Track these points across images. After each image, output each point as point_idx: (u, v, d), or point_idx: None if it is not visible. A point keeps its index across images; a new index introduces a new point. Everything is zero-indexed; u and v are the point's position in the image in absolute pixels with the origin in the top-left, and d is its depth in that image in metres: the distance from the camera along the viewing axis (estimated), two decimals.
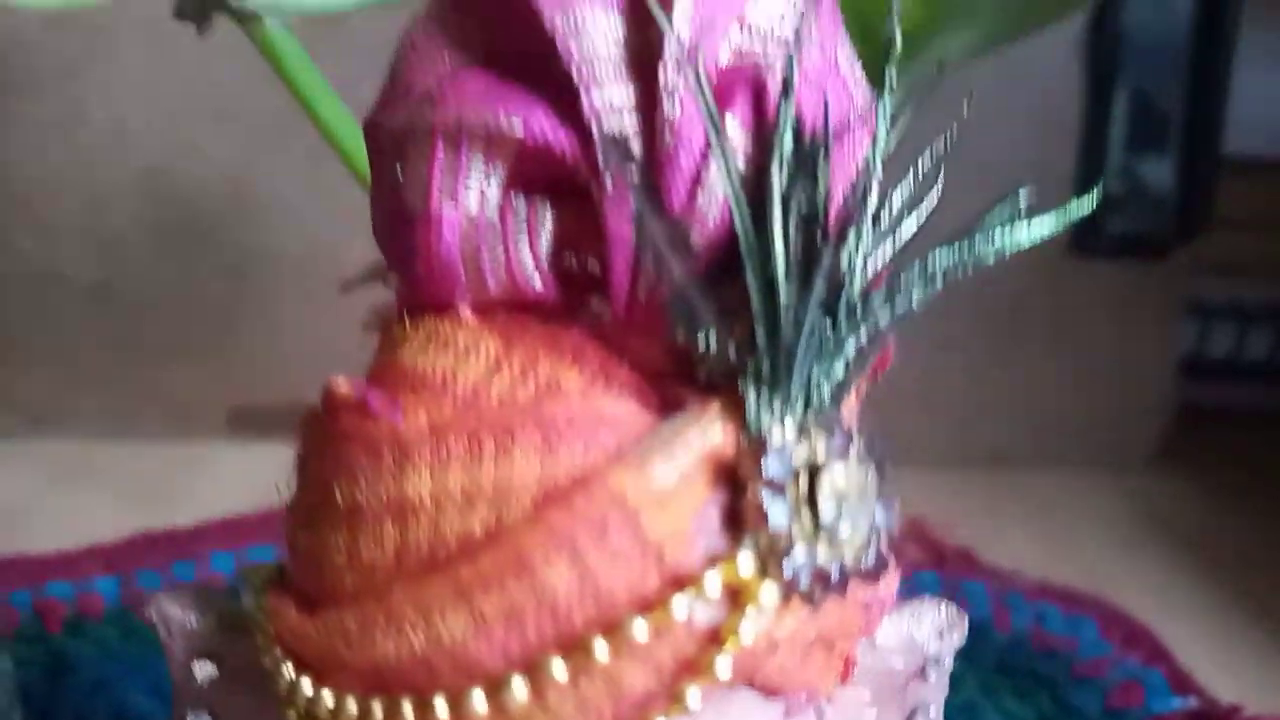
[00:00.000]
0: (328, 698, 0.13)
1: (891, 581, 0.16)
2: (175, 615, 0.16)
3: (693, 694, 0.12)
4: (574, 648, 0.12)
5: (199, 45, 0.52)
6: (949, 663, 0.17)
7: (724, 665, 0.12)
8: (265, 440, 0.54)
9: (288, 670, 0.13)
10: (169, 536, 0.44)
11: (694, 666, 0.12)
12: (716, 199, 0.13)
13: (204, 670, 0.16)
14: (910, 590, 0.18)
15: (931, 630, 0.17)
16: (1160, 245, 0.56)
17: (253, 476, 0.52)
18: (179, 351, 0.54)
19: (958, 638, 0.17)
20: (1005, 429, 0.57)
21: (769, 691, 0.14)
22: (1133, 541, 0.52)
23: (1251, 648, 0.44)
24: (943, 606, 0.17)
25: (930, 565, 0.44)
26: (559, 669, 0.12)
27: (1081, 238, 0.54)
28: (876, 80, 0.24)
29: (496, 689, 0.12)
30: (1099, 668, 0.40)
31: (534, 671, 0.12)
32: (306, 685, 0.13)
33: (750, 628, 0.12)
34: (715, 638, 0.12)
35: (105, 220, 0.53)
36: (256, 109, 0.52)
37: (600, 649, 0.11)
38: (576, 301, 0.15)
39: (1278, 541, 0.52)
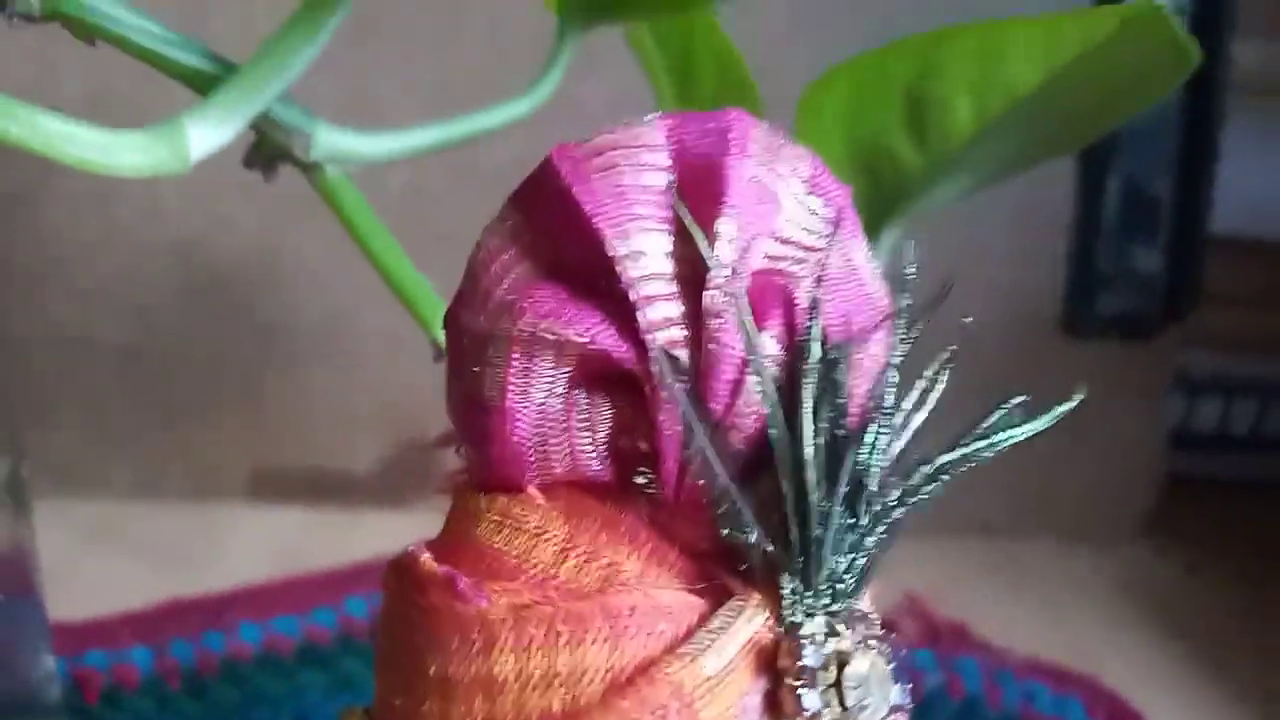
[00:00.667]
0: None
1: None
2: None
3: None
4: None
5: None
6: None
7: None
8: (287, 503, 0.57)
9: None
10: (198, 605, 0.46)
11: None
12: (754, 404, 0.16)
13: None
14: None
15: None
16: (1150, 325, 0.58)
17: (276, 538, 0.54)
18: (206, 414, 0.56)
19: None
20: (997, 501, 0.59)
21: None
22: (1119, 614, 0.54)
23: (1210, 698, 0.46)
24: None
25: (925, 642, 0.46)
26: None
27: (1073, 318, 0.57)
28: (878, 217, 0.26)
29: None
30: None
31: None
32: None
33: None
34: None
35: (137, 288, 0.55)
36: (283, 185, 0.54)
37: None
38: (630, 479, 0.17)
39: (1259, 615, 0.54)
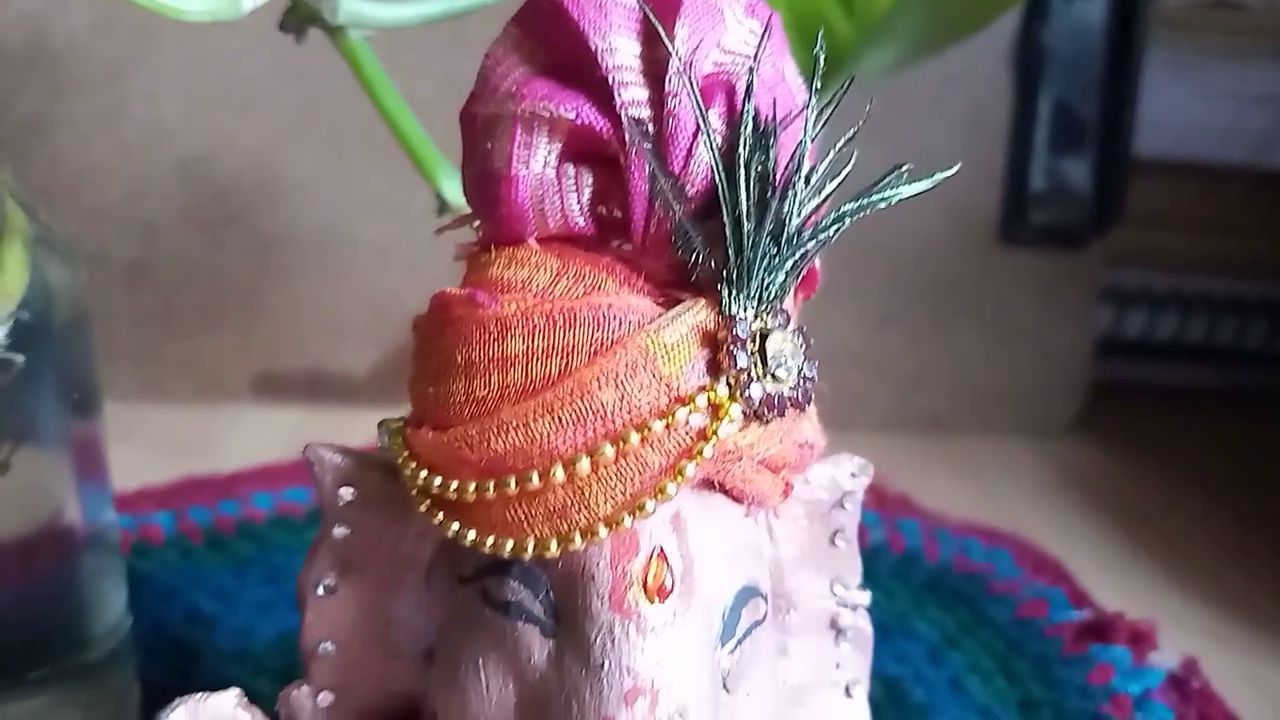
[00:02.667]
0: (452, 484, 0.19)
1: (821, 441, 0.23)
2: (325, 455, 0.22)
3: (689, 468, 0.19)
4: (617, 439, 0.18)
5: (231, 48, 0.59)
6: (860, 497, 0.24)
7: (709, 450, 0.19)
8: (288, 403, 0.61)
9: (421, 473, 0.20)
10: (212, 481, 0.50)
11: (690, 453, 0.19)
12: (703, 165, 0.20)
13: (346, 495, 0.22)
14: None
15: (848, 473, 0.24)
16: (1078, 236, 0.63)
17: (278, 434, 0.59)
18: (209, 323, 0.60)
19: (866, 480, 0.24)
20: (941, 397, 0.64)
21: (734, 495, 0.21)
22: (1049, 497, 0.60)
23: (1143, 580, 0.51)
24: (855, 459, 0.24)
25: (872, 506, 0.51)
26: (609, 451, 0.18)
27: (1008, 228, 0.62)
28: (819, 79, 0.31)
29: (570, 465, 0.19)
30: (1011, 587, 0.47)
31: (593, 454, 0.18)
32: (436, 479, 0.20)
33: (725, 429, 0.19)
34: (703, 435, 0.19)
35: (144, 206, 0.59)
36: (282, 104, 0.58)
37: (634, 439, 0.18)
38: (607, 238, 0.22)
39: (1174, 497, 0.60)
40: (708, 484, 0.21)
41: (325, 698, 0.23)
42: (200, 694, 0.22)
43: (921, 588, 0.47)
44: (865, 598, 0.25)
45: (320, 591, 0.23)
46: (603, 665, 0.18)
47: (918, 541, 0.50)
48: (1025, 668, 0.42)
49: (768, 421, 0.19)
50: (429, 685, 0.22)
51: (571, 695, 0.19)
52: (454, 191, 0.32)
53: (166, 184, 0.58)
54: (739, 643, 0.20)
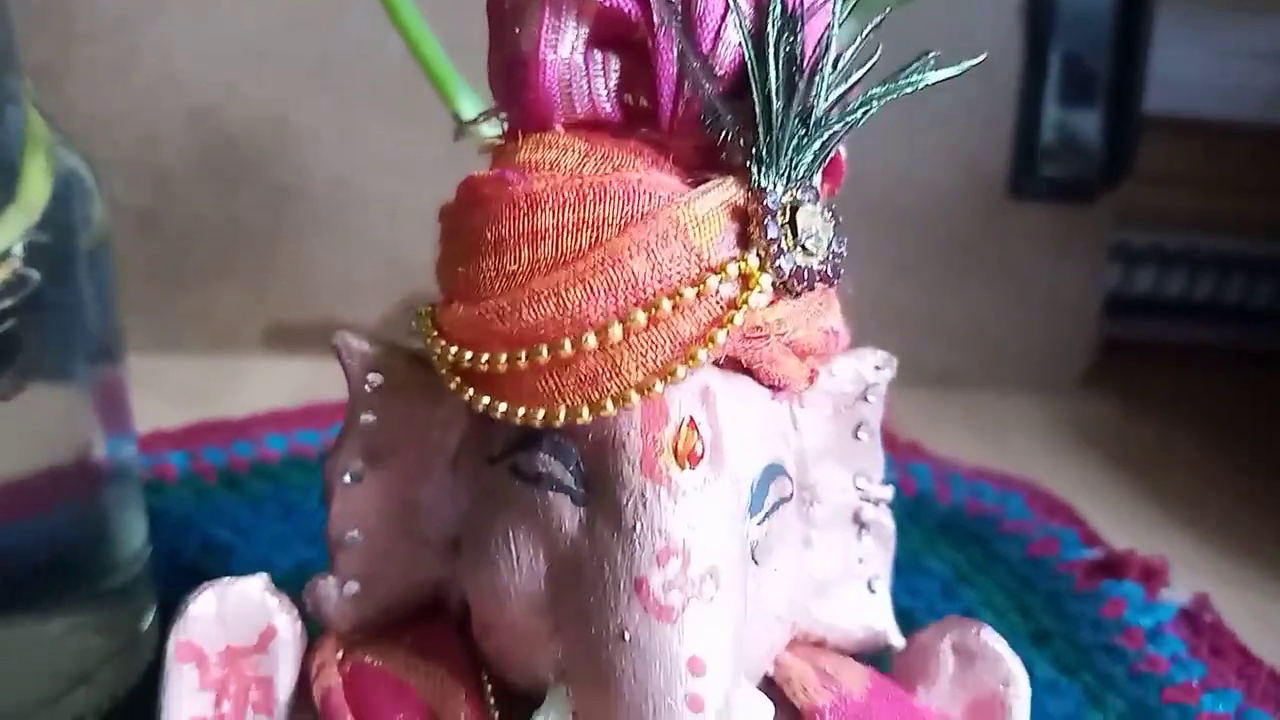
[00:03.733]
0: (483, 356, 0.20)
1: (845, 333, 0.23)
2: (354, 344, 0.23)
3: (720, 336, 0.19)
4: (649, 306, 0.19)
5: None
6: (883, 391, 0.25)
7: (739, 318, 0.19)
8: (299, 354, 0.61)
9: (451, 349, 0.20)
10: (225, 424, 0.51)
11: (720, 321, 0.19)
12: (732, 46, 0.20)
13: (373, 380, 0.22)
14: None
15: (872, 366, 0.24)
16: (1087, 190, 0.63)
17: (290, 384, 0.59)
18: (221, 275, 0.60)
19: (890, 374, 0.24)
20: (953, 351, 0.64)
21: (761, 378, 0.21)
22: (1060, 450, 0.60)
23: (1152, 526, 0.51)
24: (879, 352, 0.24)
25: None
26: (640, 318, 0.18)
27: (1018, 181, 0.62)
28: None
29: (602, 332, 0.19)
30: (1023, 528, 0.47)
31: (625, 321, 0.19)
32: (467, 353, 0.20)
33: (755, 299, 0.19)
34: (733, 305, 0.19)
35: (155, 156, 0.59)
36: (294, 55, 0.58)
37: (665, 306, 0.18)
38: (633, 125, 0.22)
39: (1184, 450, 0.60)
40: (736, 366, 0.21)
41: (351, 587, 0.23)
42: (228, 578, 0.23)
43: (933, 528, 0.47)
44: (888, 493, 0.25)
45: (347, 479, 0.23)
46: (634, 528, 0.19)
47: (929, 485, 0.50)
48: (1037, 603, 0.43)
49: (797, 294, 0.20)
50: (456, 572, 0.22)
51: (603, 558, 0.19)
52: (471, 111, 0.32)
53: (178, 134, 0.58)
54: (766, 516, 0.21)
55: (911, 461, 0.51)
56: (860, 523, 0.25)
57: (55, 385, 0.30)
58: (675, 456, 0.19)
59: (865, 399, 0.24)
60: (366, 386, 0.22)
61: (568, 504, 0.20)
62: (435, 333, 0.21)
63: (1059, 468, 0.57)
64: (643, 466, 0.19)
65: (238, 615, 0.22)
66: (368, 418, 0.23)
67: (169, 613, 0.35)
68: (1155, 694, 0.38)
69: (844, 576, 0.24)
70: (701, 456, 0.19)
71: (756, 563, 0.20)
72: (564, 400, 0.19)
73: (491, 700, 0.21)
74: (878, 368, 0.24)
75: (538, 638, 0.20)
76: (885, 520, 0.25)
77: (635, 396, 0.19)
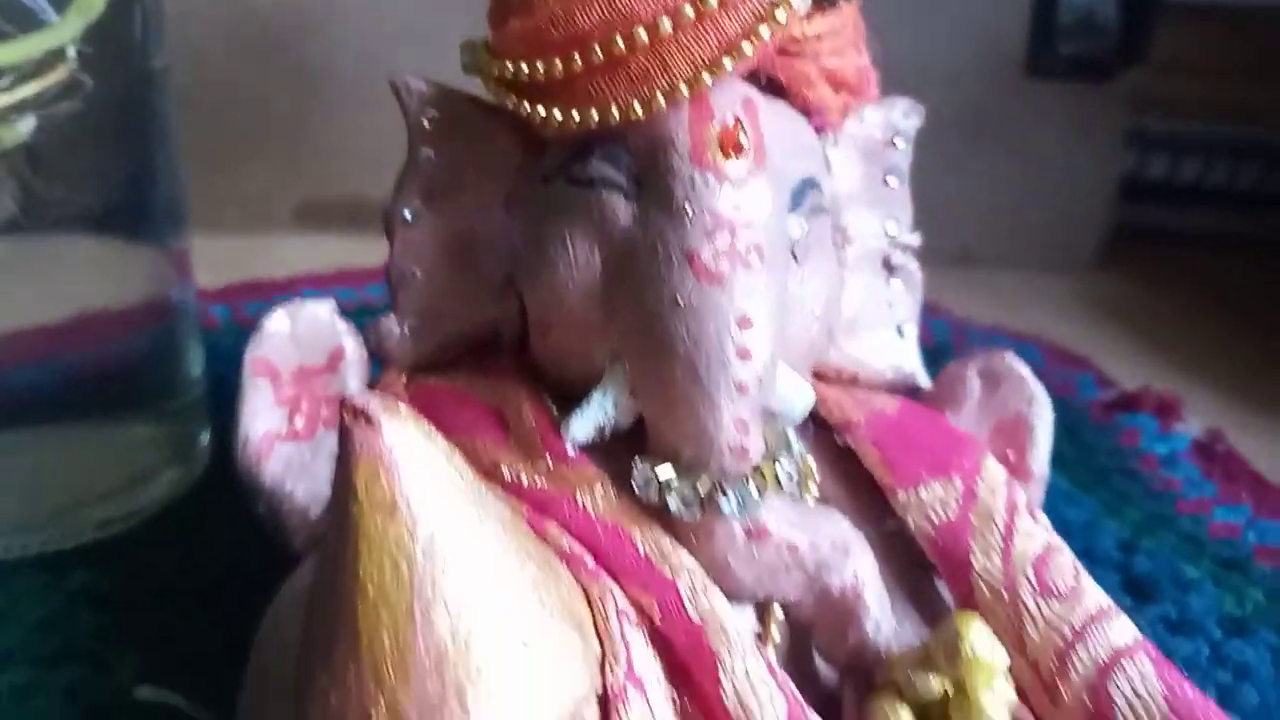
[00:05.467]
0: (539, 65, 0.21)
1: (874, 79, 0.24)
2: (413, 83, 0.24)
3: (764, 31, 0.20)
4: (696, 2, 0.20)
5: None
6: (911, 136, 0.26)
7: (781, 15, 0.20)
8: (329, 231, 0.62)
9: (506, 65, 0.21)
10: (264, 283, 0.52)
11: (763, 17, 0.20)
12: None
13: (432, 115, 0.24)
14: None
15: (900, 113, 0.25)
16: (1105, 69, 0.64)
17: (322, 260, 0.60)
18: (253, 153, 0.61)
19: (917, 121, 0.26)
20: (968, 229, 0.65)
21: (799, 103, 0.22)
22: (1075, 323, 0.61)
23: (1165, 385, 0.53)
24: (905, 99, 0.26)
25: None
26: (689, 12, 0.20)
27: (1036, 58, 0.63)
28: None
29: (652, 28, 0.20)
30: (1040, 375, 0.49)
31: (674, 15, 0.20)
32: (522, 65, 0.21)
33: (797, 1, 0.20)
34: (775, 3, 0.20)
35: (187, 33, 0.60)
36: None
37: (712, 1, 0.20)
38: None
39: (1194, 323, 0.61)
40: (776, 91, 0.22)
41: (411, 324, 0.25)
42: (299, 299, 0.24)
43: None
44: (915, 239, 0.26)
45: (407, 216, 0.24)
46: (685, 208, 0.20)
47: (946, 337, 0.51)
48: (1054, 433, 0.44)
49: (831, 8, 0.21)
50: (508, 311, 0.24)
51: (656, 239, 0.20)
52: None
53: (211, 11, 0.59)
54: (805, 218, 0.22)
55: (930, 318, 0.52)
56: (889, 268, 0.26)
57: (138, 235, 0.34)
58: (721, 149, 0.20)
59: (894, 145, 0.25)
60: (425, 122, 0.24)
61: (621, 200, 0.21)
62: (488, 55, 0.22)
63: (1075, 339, 0.58)
64: (692, 157, 0.20)
65: (309, 335, 0.24)
66: (426, 152, 0.24)
67: (224, 435, 0.38)
68: (1170, 506, 0.39)
69: (874, 319, 0.26)
70: (745, 150, 0.20)
71: (796, 260, 0.22)
72: (617, 100, 0.20)
73: (549, 401, 0.22)
74: (904, 114, 0.25)
75: (594, 327, 0.21)
76: (913, 267, 0.26)
77: (684, 89, 0.20)
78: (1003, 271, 0.66)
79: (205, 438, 0.38)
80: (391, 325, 0.25)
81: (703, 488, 0.19)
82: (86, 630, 0.30)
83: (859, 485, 0.23)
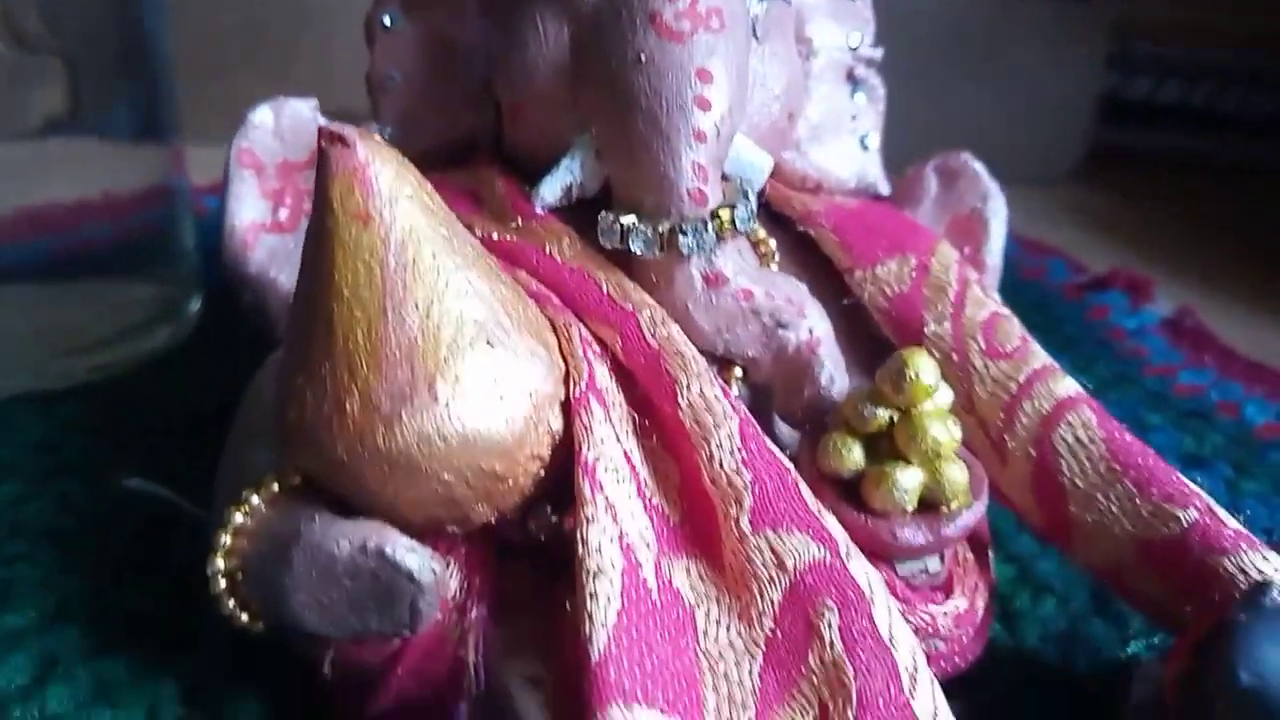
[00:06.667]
0: None
1: None
2: None
3: None
4: None
5: None
6: None
7: None
8: None
9: None
10: None
11: None
12: None
13: None
14: None
15: None
16: None
17: None
18: (244, 65, 0.62)
19: None
20: (954, 144, 0.66)
21: None
22: (1053, 231, 0.62)
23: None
24: None
25: None
26: None
27: None
28: None
29: None
30: (1011, 262, 0.50)
31: None
32: None
33: None
34: None
35: None
36: None
37: None
38: None
39: (1169, 234, 0.62)
40: None
41: (392, 131, 0.25)
42: (283, 97, 0.25)
43: None
44: (877, 53, 0.27)
45: (387, 22, 0.25)
46: None
47: None
48: (1022, 307, 0.45)
49: None
50: (485, 120, 0.24)
51: (620, 4, 0.21)
52: None
53: None
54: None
55: None
56: (853, 80, 0.27)
57: (142, 136, 0.39)
58: None
59: None
60: None
61: None
62: None
63: (1064, 240, 0.59)
64: None
65: (292, 131, 0.25)
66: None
67: (213, 300, 0.40)
68: (1137, 370, 0.40)
69: (838, 129, 0.27)
70: None
71: (757, 39, 0.23)
72: None
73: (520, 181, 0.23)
74: None
75: (562, 103, 0.22)
76: (875, 82, 0.27)
77: None
78: None
79: (196, 303, 0.40)
80: (372, 131, 0.25)
81: (663, 229, 0.20)
82: (77, 451, 0.31)
83: (818, 271, 0.24)
